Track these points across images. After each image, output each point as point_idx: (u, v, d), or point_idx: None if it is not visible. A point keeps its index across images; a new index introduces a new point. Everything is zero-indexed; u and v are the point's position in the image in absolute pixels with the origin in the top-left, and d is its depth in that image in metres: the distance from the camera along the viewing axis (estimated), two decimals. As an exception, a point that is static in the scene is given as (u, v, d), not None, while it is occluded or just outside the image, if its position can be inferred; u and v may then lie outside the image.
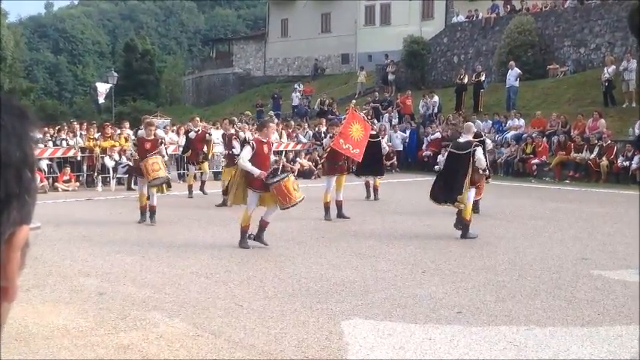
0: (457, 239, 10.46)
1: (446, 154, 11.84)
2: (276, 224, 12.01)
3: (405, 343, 5.52)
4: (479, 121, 23.62)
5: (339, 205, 12.82)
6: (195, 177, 17.73)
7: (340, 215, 12.78)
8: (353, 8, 43.63)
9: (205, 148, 17.12)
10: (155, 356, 5.23)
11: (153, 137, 12.37)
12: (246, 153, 9.64)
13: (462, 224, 10.55)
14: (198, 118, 18.60)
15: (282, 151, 20.88)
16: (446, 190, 10.76)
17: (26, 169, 0.83)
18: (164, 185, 12.20)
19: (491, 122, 24.31)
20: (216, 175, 20.98)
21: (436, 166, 14.63)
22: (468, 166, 10.45)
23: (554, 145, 21.64)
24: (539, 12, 31.22)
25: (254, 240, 9.73)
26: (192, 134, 16.75)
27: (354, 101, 15.90)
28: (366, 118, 13.64)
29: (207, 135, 16.60)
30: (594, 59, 28.45)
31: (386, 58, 36.83)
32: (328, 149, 12.95)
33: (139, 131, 16.04)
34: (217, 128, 23.76)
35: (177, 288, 7.39)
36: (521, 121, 23.45)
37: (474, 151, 10.51)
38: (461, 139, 11.06)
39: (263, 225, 9.81)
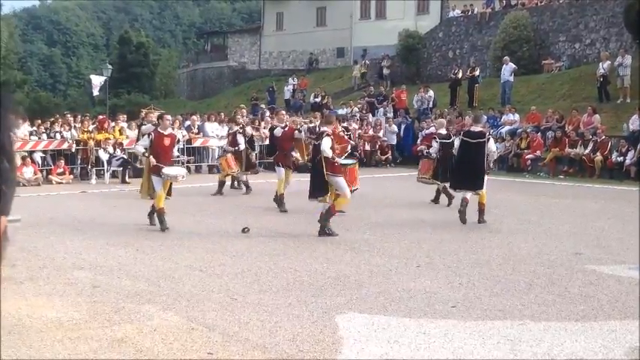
0: (451, 233, 10.51)
1: (458, 142, 12.00)
2: (270, 218, 12.04)
3: (399, 337, 5.52)
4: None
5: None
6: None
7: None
8: (348, 2, 43.57)
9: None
10: (149, 349, 5.22)
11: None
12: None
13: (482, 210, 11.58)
14: (283, 112, 15.91)
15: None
16: (470, 178, 11.58)
17: (3, 159, 0.80)
18: None
19: (485, 117, 24.25)
20: (211, 169, 21.05)
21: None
22: (484, 154, 11.60)
23: (549, 141, 21.67)
24: (535, 7, 31.23)
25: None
26: (278, 131, 13.75)
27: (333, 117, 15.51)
28: (343, 133, 13.40)
29: (296, 132, 13.66)
30: (589, 55, 28.48)
31: (363, 56, 37.33)
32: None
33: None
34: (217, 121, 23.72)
35: (172, 281, 7.38)
36: (516, 116, 23.47)
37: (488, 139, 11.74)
38: (473, 129, 11.94)
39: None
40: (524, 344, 5.37)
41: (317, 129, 16.33)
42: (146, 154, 10.73)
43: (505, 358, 5.09)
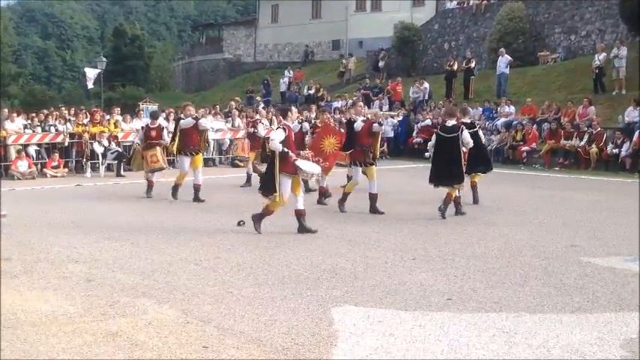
0: (445, 223, 10.51)
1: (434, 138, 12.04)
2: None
3: (395, 330, 5.52)
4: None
5: (322, 191, 12.98)
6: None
7: (320, 202, 12.95)
8: (344, -6, 43.54)
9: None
10: (144, 343, 5.20)
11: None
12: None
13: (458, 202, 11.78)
14: (361, 103, 14.04)
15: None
16: (447, 174, 11.44)
17: None
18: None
19: (481, 109, 24.30)
20: (207, 162, 20.93)
21: (427, 154, 14.30)
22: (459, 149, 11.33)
23: (545, 133, 21.68)
24: (530, -1, 31.21)
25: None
26: (358, 124, 11.89)
27: (327, 115, 15.13)
28: (339, 128, 13.21)
29: (375, 125, 11.97)
30: (585, 46, 28.48)
31: (342, 55, 38.38)
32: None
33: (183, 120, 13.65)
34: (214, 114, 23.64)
35: (167, 275, 7.36)
36: (512, 108, 23.46)
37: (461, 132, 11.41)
38: (447, 123, 11.63)
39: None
40: (519, 336, 5.37)
41: (312, 122, 16.27)
42: (285, 150, 9.54)
43: (500, 350, 5.09)
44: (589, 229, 10.36)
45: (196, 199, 13.34)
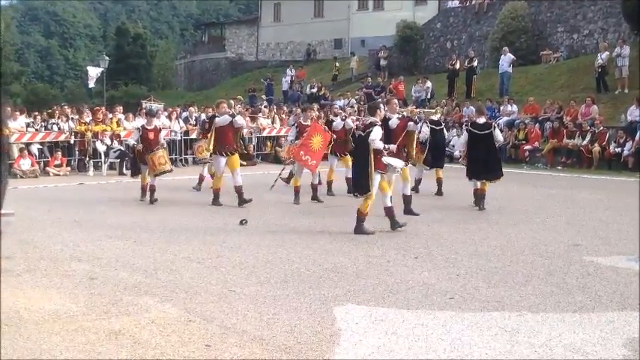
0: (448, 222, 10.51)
1: (466, 134, 12.49)
2: (268, 209, 12.02)
3: (397, 329, 5.52)
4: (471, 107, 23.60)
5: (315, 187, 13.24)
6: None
7: (314, 199, 13.21)
8: (346, -7, 43.50)
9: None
10: (147, 341, 5.21)
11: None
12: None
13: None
14: (395, 100, 12.98)
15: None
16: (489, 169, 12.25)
17: None
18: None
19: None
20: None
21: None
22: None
23: (547, 131, 21.67)
24: (533, -3, 31.17)
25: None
26: (393, 122, 11.26)
27: (315, 113, 15.09)
28: (326, 128, 13.33)
29: (410, 123, 11.19)
30: (587, 45, 28.45)
31: (335, 58, 38.45)
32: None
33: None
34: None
35: (169, 273, 7.37)
36: (514, 107, 23.45)
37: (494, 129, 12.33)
38: (479, 120, 12.38)
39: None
40: (521, 335, 5.37)
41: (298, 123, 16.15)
42: (386, 147, 9.63)
43: (503, 349, 5.09)
44: (591, 228, 10.36)
45: (242, 202, 12.55)
